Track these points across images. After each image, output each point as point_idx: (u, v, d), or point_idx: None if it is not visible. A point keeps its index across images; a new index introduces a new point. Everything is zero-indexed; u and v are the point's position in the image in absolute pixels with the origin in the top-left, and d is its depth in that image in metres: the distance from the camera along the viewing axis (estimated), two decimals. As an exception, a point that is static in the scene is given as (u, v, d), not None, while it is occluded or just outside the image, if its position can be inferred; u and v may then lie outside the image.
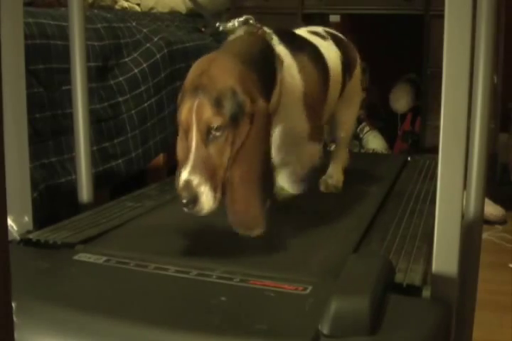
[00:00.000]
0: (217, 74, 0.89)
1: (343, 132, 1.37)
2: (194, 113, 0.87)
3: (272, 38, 1.05)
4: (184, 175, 0.87)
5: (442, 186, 0.76)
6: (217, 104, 0.86)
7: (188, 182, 0.86)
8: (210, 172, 0.87)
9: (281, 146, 1.07)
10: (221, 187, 0.89)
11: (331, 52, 1.20)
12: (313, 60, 1.10)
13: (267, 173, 0.92)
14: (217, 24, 1.07)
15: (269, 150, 0.93)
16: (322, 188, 1.30)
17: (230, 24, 1.06)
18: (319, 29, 1.29)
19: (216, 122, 0.86)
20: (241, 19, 1.05)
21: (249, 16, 1.05)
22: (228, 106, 0.87)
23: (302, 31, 1.22)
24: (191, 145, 0.87)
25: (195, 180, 0.86)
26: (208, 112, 0.86)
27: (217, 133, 0.87)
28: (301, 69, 1.05)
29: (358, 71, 1.35)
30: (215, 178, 0.88)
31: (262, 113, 0.90)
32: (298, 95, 1.04)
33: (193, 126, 0.87)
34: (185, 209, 0.88)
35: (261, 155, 0.91)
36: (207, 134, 0.87)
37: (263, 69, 0.96)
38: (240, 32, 1.04)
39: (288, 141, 1.07)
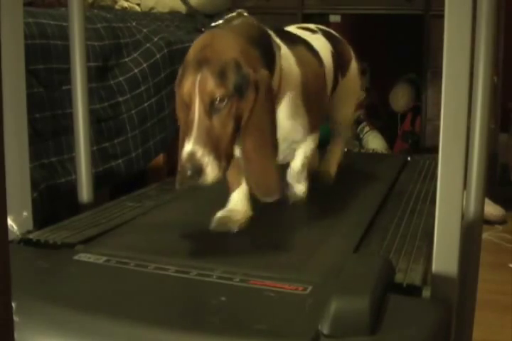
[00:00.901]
0: (221, 47, 0.90)
1: (340, 128, 1.39)
2: (197, 85, 0.87)
3: (268, 30, 1.06)
4: (188, 147, 0.87)
5: (442, 186, 0.76)
6: (221, 75, 0.87)
7: (191, 154, 0.86)
8: (213, 143, 0.87)
9: (282, 137, 1.07)
10: (225, 157, 0.89)
11: (320, 44, 1.21)
12: (307, 53, 1.11)
13: (276, 142, 0.93)
14: (212, 24, 1.07)
15: (275, 121, 0.94)
16: (314, 178, 1.29)
17: (221, 21, 1.06)
18: (310, 25, 1.31)
19: (219, 93, 0.87)
20: (233, 14, 1.06)
21: (241, 10, 1.06)
22: (232, 78, 0.87)
23: (292, 27, 1.23)
24: (194, 117, 0.88)
25: (199, 152, 0.86)
26: (211, 84, 0.87)
27: (221, 105, 0.88)
28: (298, 61, 1.06)
29: (353, 68, 1.36)
30: (219, 148, 0.88)
31: (265, 81, 0.91)
32: (297, 84, 1.04)
33: (196, 98, 0.88)
34: (189, 182, 0.87)
35: (270, 124, 0.92)
36: (210, 106, 0.88)
37: (263, 49, 0.97)
38: (236, 22, 1.04)
39: (288, 132, 1.07)
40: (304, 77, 1.05)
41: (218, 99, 0.87)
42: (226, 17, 1.06)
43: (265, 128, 0.91)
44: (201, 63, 0.88)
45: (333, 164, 1.38)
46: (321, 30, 1.30)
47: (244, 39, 0.93)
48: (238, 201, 1.07)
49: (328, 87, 1.22)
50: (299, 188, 1.16)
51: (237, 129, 0.91)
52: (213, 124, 0.88)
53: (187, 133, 0.89)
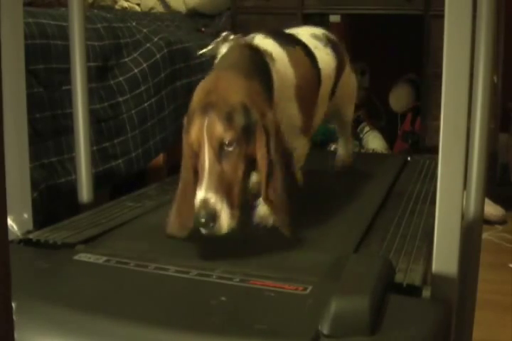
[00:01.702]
0: (225, 91, 0.89)
1: (344, 124, 1.50)
2: (205, 130, 0.86)
3: (254, 37, 1.06)
4: (200, 194, 0.86)
5: (442, 186, 0.76)
6: (228, 119, 0.86)
7: (205, 201, 0.85)
8: (226, 189, 0.86)
9: None
10: (237, 205, 0.88)
11: (326, 54, 1.23)
12: (302, 54, 1.12)
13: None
14: (199, 53, 1.08)
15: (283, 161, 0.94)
16: (336, 166, 1.48)
17: (210, 47, 1.07)
18: (317, 31, 1.31)
19: (228, 137, 0.86)
20: (219, 39, 1.06)
21: (227, 33, 1.06)
22: (239, 120, 0.87)
23: (301, 33, 1.23)
24: (204, 163, 0.87)
25: (213, 198, 0.85)
26: (220, 128, 0.86)
27: (230, 149, 0.87)
28: (292, 60, 1.06)
29: (347, 69, 1.39)
30: (232, 195, 0.87)
31: (274, 125, 0.90)
32: (291, 86, 1.04)
33: (205, 143, 0.87)
34: (204, 230, 0.87)
35: (284, 166, 0.91)
36: (219, 150, 0.87)
37: (262, 77, 0.96)
38: (224, 49, 1.05)
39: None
40: (298, 79, 1.06)
41: (227, 143, 0.87)
42: (214, 41, 1.06)
43: (282, 172, 0.91)
44: (207, 108, 0.87)
45: (348, 155, 1.50)
46: (326, 37, 1.30)
47: (245, 75, 0.93)
48: None
49: (328, 91, 1.24)
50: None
51: (247, 173, 0.90)
52: (224, 169, 0.87)
53: (192, 180, 0.89)
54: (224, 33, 1.06)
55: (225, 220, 0.86)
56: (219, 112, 0.86)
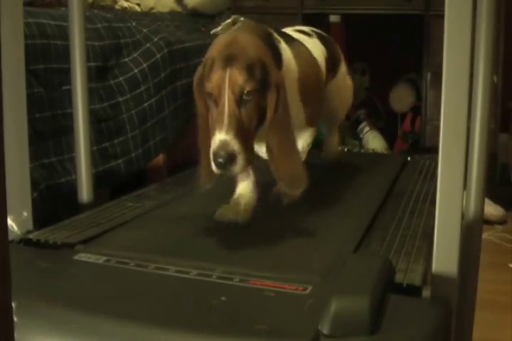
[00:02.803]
0: (246, 45, 0.95)
1: (335, 124, 1.53)
2: (227, 79, 0.92)
3: (269, 29, 1.09)
4: (220, 135, 0.90)
5: (442, 186, 0.76)
6: (249, 70, 0.92)
7: (224, 142, 0.89)
8: (243, 134, 0.91)
9: None
10: (251, 149, 0.93)
11: (315, 47, 1.25)
12: (303, 50, 1.16)
13: (295, 139, 1.00)
14: (212, 31, 1.11)
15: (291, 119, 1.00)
16: (324, 156, 1.52)
17: (220, 28, 1.11)
18: (305, 28, 1.35)
19: (248, 87, 0.92)
20: (229, 21, 1.10)
21: (236, 16, 1.10)
22: (258, 74, 0.93)
23: (288, 30, 1.25)
24: (224, 108, 0.92)
25: (232, 141, 0.89)
26: (242, 77, 0.92)
27: (248, 98, 0.93)
28: (296, 55, 1.10)
29: (342, 67, 1.42)
30: (247, 140, 0.92)
31: (283, 83, 0.96)
32: (294, 79, 1.07)
33: (226, 90, 0.92)
34: (219, 170, 0.91)
35: (289, 123, 0.97)
36: (239, 98, 0.92)
37: (273, 50, 1.02)
38: (240, 26, 1.06)
39: None
40: (300, 71, 1.09)
41: (246, 93, 0.92)
42: (224, 23, 1.09)
43: (287, 125, 0.97)
44: (230, 59, 0.93)
45: (336, 148, 1.55)
46: (315, 32, 1.35)
47: (261, 41, 0.99)
48: (244, 192, 1.11)
49: (324, 78, 1.26)
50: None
51: (258, 125, 0.96)
52: (241, 116, 0.92)
53: (210, 126, 0.95)
54: (233, 16, 1.08)
55: (241, 162, 0.90)
56: (241, 63, 0.92)
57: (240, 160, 0.90)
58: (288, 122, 0.97)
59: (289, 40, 1.13)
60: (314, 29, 1.37)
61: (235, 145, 0.89)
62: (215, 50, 0.96)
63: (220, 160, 0.88)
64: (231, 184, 1.12)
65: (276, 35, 1.08)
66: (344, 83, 1.45)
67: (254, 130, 0.95)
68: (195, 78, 0.98)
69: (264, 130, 0.97)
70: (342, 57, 1.43)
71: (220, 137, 0.90)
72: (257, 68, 0.93)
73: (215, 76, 0.93)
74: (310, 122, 1.14)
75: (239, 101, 0.92)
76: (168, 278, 0.84)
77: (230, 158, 0.89)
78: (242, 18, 1.09)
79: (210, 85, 0.93)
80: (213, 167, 0.91)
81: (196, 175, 1.01)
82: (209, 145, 0.93)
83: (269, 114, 0.95)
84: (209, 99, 0.95)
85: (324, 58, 1.27)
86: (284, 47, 1.07)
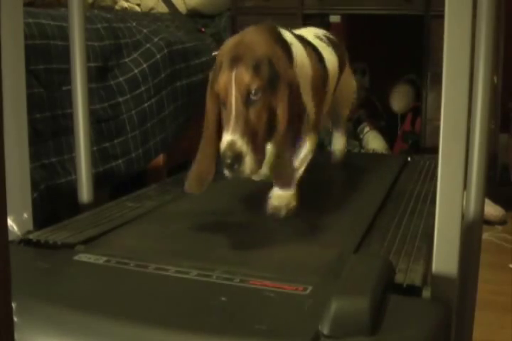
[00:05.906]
0: (253, 44, 0.95)
1: (340, 122, 1.54)
2: (234, 79, 0.92)
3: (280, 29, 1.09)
4: (227, 136, 0.90)
5: (442, 186, 0.76)
6: (256, 69, 0.92)
7: (232, 143, 0.89)
8: (251, 135, 0.91)
9: None
10: (261, 151, 0.93)
11: (330, 54, 1.26)
12: (313, 51, 1.15)
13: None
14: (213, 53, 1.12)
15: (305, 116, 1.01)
16: (332, 158, 1.52)
17: None
18: (320, 33, 1.34)
19: (255, 85, 0.91)
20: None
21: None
22: (265, 71, 0.93)
23: (309, 35, 1.25)
24: (231, 109, 0.92)
25: (239, 141, 0.89)
26: (248, 76, 0.91)
27: (256, 97, 0.92)
28: (309, 55, 1.10)
29: (347, 70, 1.43)
30: (256, 140, 0.92)
31: (295, 81, 0.96)
32: (307, 77, 1.07)
33: (233, 91, 0.92)
34: (228, 172, 0.90)
35: (303, 121, 0.98)
36: (246, 97, 0.92)
37: (284, 48, 1.01)
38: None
39: None
40: (314, 71, 1.09)
41: (253, 92, 0.92)
42: None
43: (298, 127, 0.96)
44: (236, 59, 0.93)
45: (342, 147, 1.54)
46: (328, 38, 1.34)
47: (271, 38, 0.98)
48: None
49: (332, 90, 1.27)
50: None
51: (269, 124, 0.94)
52: (249, 116, 0.92)
53: (213, 135, 0.94)
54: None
55: (249, 163, 0.89)
56: (247, 62, 0.92)
57: (249, 161, 0.89)
58: (300, 125, 0.97)
59: (301, 41, 1.12)
60: (325, 32, 1.37)
61: (242, 146, 0.89)
62: (223, 52, 0.96)
63: (228, 160, 0.88)
64: (231, 184, 1.12)
65: (289, 34, 1.07)
66: (348, 80, 1.45)
67: (265, 130, 0.94)
68: (209, 83, 0.98)
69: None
70: (347, 58, 1.43)
71: (227, 138, 0.90)
72: (264, 66, 0.92)
73: (223, 77, 0.93)
74: (315, 126, 1.13)
75: (246, 101, 0.92)
76: (168, 278, 0.84)
77: (237, 159, 0.88)
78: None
79: (218, 87, 0.93)
80: (224, 170, 0.90)
81: (185, 179, 0.99)
82: (208, 153, 0.93)
83: (280, 111, 0.94)
84: (220, 102, 0.95)
85: (337, 63, 1.27)
86: (298, 46, 1.06)
